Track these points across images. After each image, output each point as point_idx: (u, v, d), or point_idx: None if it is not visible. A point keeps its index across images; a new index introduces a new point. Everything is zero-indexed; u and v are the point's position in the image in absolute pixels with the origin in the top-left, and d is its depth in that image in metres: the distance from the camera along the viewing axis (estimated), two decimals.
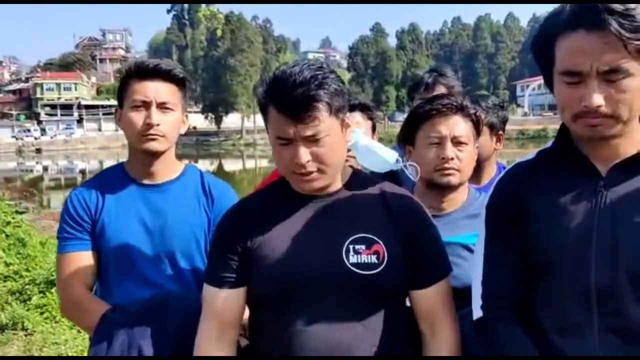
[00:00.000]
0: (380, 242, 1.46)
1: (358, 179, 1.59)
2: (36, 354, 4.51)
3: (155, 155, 1.90)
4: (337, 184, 1.54)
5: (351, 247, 1.44)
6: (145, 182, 1.94)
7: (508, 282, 1.42)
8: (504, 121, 2.52)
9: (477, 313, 1.45)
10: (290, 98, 1.37)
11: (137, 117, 1.86)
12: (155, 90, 1.86)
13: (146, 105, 1.86)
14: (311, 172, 1.43)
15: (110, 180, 1.96)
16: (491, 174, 2.46)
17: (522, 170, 1.47)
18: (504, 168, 2.50)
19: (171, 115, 1.89)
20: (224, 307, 1.50)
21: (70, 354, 4.39)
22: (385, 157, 1.89)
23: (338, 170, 1.51)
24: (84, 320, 1.89)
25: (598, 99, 1.23)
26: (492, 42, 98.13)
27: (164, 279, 1.87)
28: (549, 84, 1.36)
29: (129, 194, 1.92)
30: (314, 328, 1.42)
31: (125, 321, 1.73)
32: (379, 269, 1.43)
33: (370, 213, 1.51)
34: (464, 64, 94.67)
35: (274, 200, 1.55)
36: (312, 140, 1.40)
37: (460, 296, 1.58)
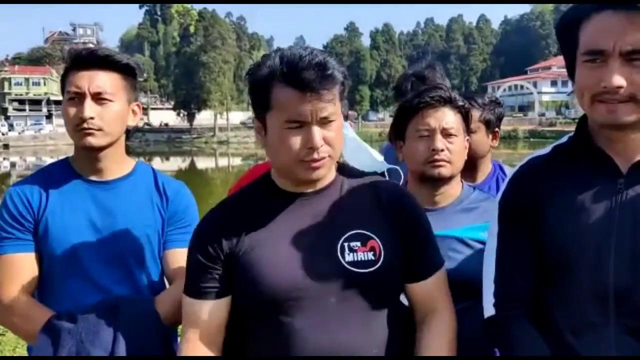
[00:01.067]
0: (376, 238, 1.41)
1: (345, 172, 1.53)
2: None
3: (95, 150, 1.74)
4: (328, 178, 1.47)
5: (346, 245, 1.39)
6: (93, 178, 1.78)
7: (522, 281, 1.39)
8: (500, 118, 2.47)
9: (488, 311, 1.42)
10: (308, 73, 1.29)
11: (71, 110, 1.71)
12: (90, 79, 1.70)
13: (80, 96, 1.70)
14: (322, 158, 1.35)
15: (54, 176, 1.78)
16: (486, 171, 2.45)
17: (537, 166, 1.44)
18: (500, 166, 2.53)
19: (110, 106, 1.72)
20: (211, 318, 1.41)
21: None
22: (374, 155, 1.89)
23: (336, 161, 1.46)
24: (22, 327, 1.71)
25: (619, 80, 1.19)
26: (465, 44, 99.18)
27: (113, 283, 1.73)
28: (571, 72, 1.33)
29: (76, 192, 1.76)
30: (312, 332, 1.34)
31: (73, 328, 1.59)
32: (377, 266, 1.38)
33: (362, 207, 1.46)
34: None
35: (259, 200, 1.46)
36: (325, 123, 1.34)
37: (455, 290, 1.56)
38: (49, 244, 1.71)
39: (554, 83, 71.95)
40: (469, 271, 1.65)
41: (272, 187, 1.47)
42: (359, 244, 1.40)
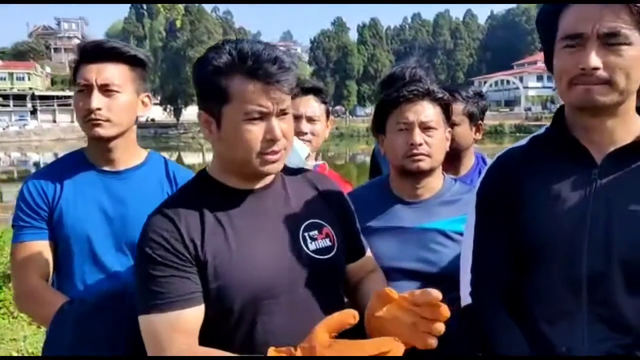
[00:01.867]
0: (327, 225, 1.47)
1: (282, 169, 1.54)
2: None
3: (104, 140, 1.81)
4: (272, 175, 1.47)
5: (306, 234, 1.43)
6: (106, 168, 1.86)
7: (498, 269, 1.42)
8: (484, 110, 2.49)
9: (465, 300, 1.45)
10: (270, 66, 1.29)
11: (80, 102, 1.78)
12: (98, 71, 1.76)
13: (88, 88, 1.76)
14: (280, 151, 1.36)
15: (69, 166, 1.86)
16: (470, 164, 2.46)
17: (515, 156, 1.47)
18: (482, 158, 2.54)
19: (117, 97, 1.78)
20: (197, 326, 1.31)
21: (29, 351, 4.29)
22: (299, 152, 1.92)
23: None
24: (39, 312, 1.77)
25: (596, 61, 1.23)
26: (451, 39, 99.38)
27: (125, 269, 1.79)
28: (549, 61, 1.36)
29: (89, 181, 1.83)
30: (287, 325, 1.33)
31: (82, 313, 1.64)
32: (334, 252, 1.44)
33: (308, 198, 1.51)
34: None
35: (207, 200, 1.39)
36: (283, 115, 1.35)
37: (438, 282, 1.59)
38: (63, 232, 1.79)
39: (539, 78, 72.34)
40: (450, 263, 1.67)
41: (216, 185, 1.42)
42: (316, 232, 1.44)
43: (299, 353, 1.10)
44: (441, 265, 1.72)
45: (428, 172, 1.86)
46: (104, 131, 1.78)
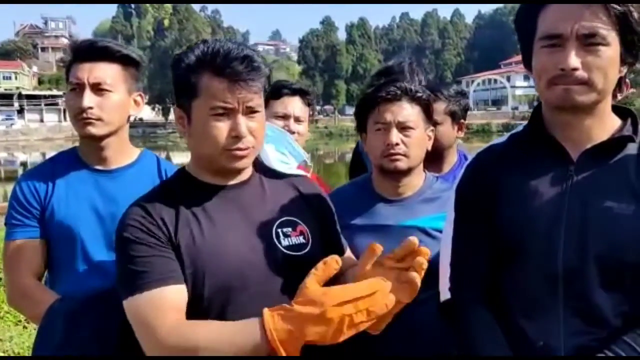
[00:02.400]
0: (302, 223, 1.49)
1: (260, 165, 1.60)
2: None
3: (96, 139, 1.81)
4: (249, 171, 1.51)
5: (280, 230, 1.45)
6: (98, 167, 1.87)
7: (477, 265, 1.44)
8: (466, 109, 2.51)
9: (444, 295, 1.47)
10: (238, 64, 1.33)
11: (72, 101, 1.79)
12: (90, 70, 1.77)
13: (80, 87, 1.77)
14: (247, 148, 1.38)
15: (61, 165, 1.87)
16: (452, 162, 2.48)
17: (493, 153, 1.49)
18: (465, 156, 2.56)
19: (109, 96, 1.79)
20: (183, 303, 1.31)
21: (16, 351, 4.26)
22: (292, 156, 1.93)
23: (258, 153, 1.49)
24: (31, 310, 1.79)
25: (575, 61, 1.25)
26: (439, 38, 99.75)
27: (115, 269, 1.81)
28: (527, 60, 1.38)
29: (81, 180, 1.84)
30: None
31: (71, 310, 1.65)
32: (307, 249, 1.46)
33: (285, 197, 1.53)
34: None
35: (182, 194, 1.43)
36: (250, 113, 1.37)
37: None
38: (55, 230, 1.80)
39: (526, 77, 72.51)
40: (431, 261, 1.69)
41: (192, 181, 1.46)
42: (290, 229, 1.46)
43: (297, 308, 1.15)
44: None
45: (407, 171, 1.88)
46: (95, 130, 1.79)
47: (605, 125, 1.36)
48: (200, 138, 1.39)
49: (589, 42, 1.25)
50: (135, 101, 1.90)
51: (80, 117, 1.77)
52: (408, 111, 1.86)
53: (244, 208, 1.45)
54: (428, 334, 1.65)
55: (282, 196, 1.53)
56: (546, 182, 1.36)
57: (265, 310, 1.19)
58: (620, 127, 1.37)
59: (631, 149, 1.35)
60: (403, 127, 1.84)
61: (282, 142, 2.15)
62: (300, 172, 1.97)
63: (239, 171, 1.45)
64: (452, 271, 1.46)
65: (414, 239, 1.21)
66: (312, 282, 1.17)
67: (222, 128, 1.35)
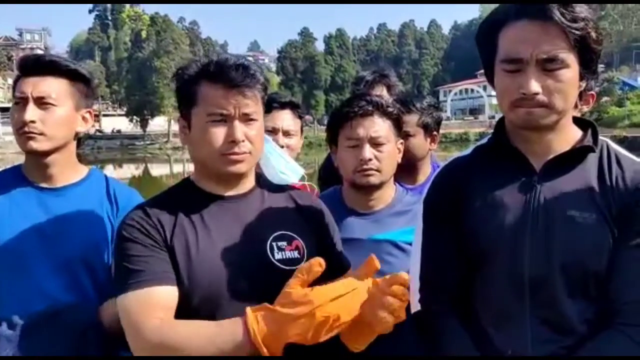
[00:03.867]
0: (298, 238, 1.50)
1: (263, 179, 1.61)
2: None
3: (39, 155, 1.73)
4: (251, 183, 1.54)
5: (274, 244, 1.46)
6: (43, 185, 1.78)
7: (446, 276, 1.46)
8: (439, 122, 2.54)
9: (415, 306, 1.48)
10: (233, 72, 1.39)
11: (15, 115, 1.72)
12: (35, 84, 1.71)
13: (24, 101, 1.70)
14: (243, 153, 1.42)
15: (5, 182, 1.78)
16: (426, 173, 2.49)
17: (459, 165, 1.53)
18: (439, 167, 2.59)
19: (53, 111, 1.72)
20: (173, 304, 1.35)
21: None
22: (286, 171, 1.92)
23: (257, 161, 1.52)
24: None
25: (535, 86, 1.28)
26: (416, 49, 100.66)
27: (61, 290, 1.70)
28: (489, 75, 1.41)
29: (25, 198, 1.75)
30: None
31: (11, 335, 1.59)
32: (301, 264, 1.43)
33: (284, 211, 1.54)
34: None
35: (182, 202, 1.47)
36: (247, 120, 1.42)
37: None
38: None
39: None
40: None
41: (194, 189, 1.50)
42: (285, 243, 1.48)
43: (280, 309, 1.17)
44: None
45: (378, 186, 1.90)
46: (37, 145, 1.71)
47: (567, 136, 1.40)
48: (198, 144, 1.44)
49: (549, 67, 1.28)
50: (83, 117, 1.82)
51: (22, 132, 1.70)
52: (379, 126, 1.88)
53: (241, 219, 1.47)
54: (400, 348, 1.65)
55: (281, 210, 1.54)
56: (511, 192, 1.39)
57: (248, 310, 1.22)
58: (581, 138, 1.41)
59: (592, 158, 1.39)
60: (375, 143, 1.86)
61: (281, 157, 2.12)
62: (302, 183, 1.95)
63: (237, 178, 1.48)
64: (422, 282, 1.47)
65: (402, 276, 1.23)
66: (295, 284, 1.21)
67: (218, 133, 1.40)
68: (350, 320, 1.18)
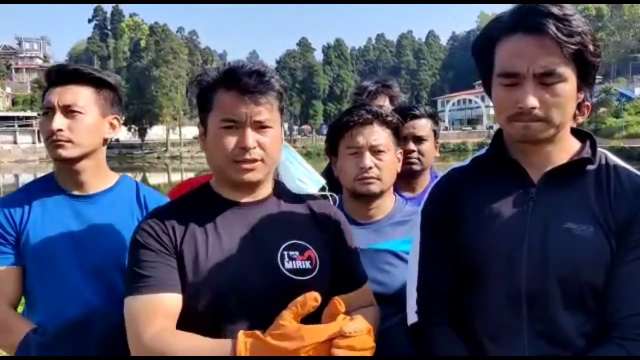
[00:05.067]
0: (312, 248, 1.47)
1: (281, 187, 1.61)
2: None
3: (68, 162, 1.78)
4: (267, 190, 1.53)
5: (285, 253, 1.44)
6: (75, 193, 1.83)
7: (443, 287, 1.44)
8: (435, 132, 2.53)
9: (411, 318, 1.47)
10: (247, 78, 1.39)
11: (43, 125, 1.78)
12: (60, 94, 1.76)
13: (52, 110, 1.76)
14: (255, 160, 1.41)
15: (38, 191, 1.84)
16: (425, 183, 2.49)
17: (457, 176, 1.51)
18: (437, 177, 2.59)
19: (80, 119, 1.76)
20: (176, 312, 1.36)
21: None
22: (306, 181, 1.92)
23: (273, 169, 1.51)
24: (5, 340, 1.74)
25: (533, 101, 1.27)
26: (414, 59, 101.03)
27: (93, 295, 1.75)
28: (487, 88, 1.40)
29: (57, 205, 1.80)
30: None
31: (45, 342, 1.63)
32: (313, 275, 1.44)
33: (299, 220, 1.53)
34: None
35: (198, 206, 1.49)
36: (260, 127, 1.41)
37: (389, 302, 1.61)
38: (30, 257, 1.75)
39: None
40: (401, 284, 1.69)
41: (211, 195, 1.51)
42: (297, 253, 1.46)
43: (270, 340, 1.17)
44: (392, 286, 1.74)
45: (379, 195, 1.90)
46: (65, 152, 1.75)
47: (565, 148, 1.39)
48: (212, 149, 1.45)
49: (546, 81, 1.27)
50: (111, 124, 1.87)
51: (50, 140, 1.75)
52: (380, 134, 1.89)
53: (254, 227, 1.46)
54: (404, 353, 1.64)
55: (296, 219, 1.53)
56: (508, 204, 1.38)
57: (240, 334, 1.22)
58: (580, 149, 1.40)
59: (590, 170, 1.38)
60: (375, 151, 1.87)
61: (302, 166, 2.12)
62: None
63: (250, 185, 1.47)
64: (419, 293, 1.46)
65: (336, 303, 1.26)
66: (289, 317, 1.20)
67: (230, 139, 1.40)
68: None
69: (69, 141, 1.75)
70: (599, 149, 1.42)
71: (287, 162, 1.77)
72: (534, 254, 1.32)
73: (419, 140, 2.38)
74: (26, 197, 1.82)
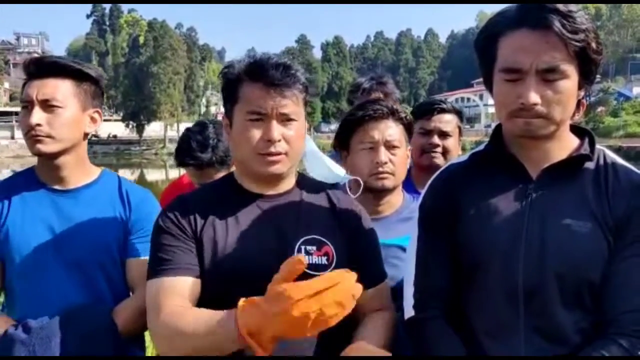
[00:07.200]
0: (329, 244, 1.47)
1: (304, 180, 1.61)
2: None
3: (49, 157, 1.73)
4: (289, 183, 1.54)
5: (303, 247, 1.44)
6: (56, 187, 1.79)
7: (440, 282, 1.45)
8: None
9: (408, 312, 1.47)
10: (273, 71, 1.40)
11: (22, 119, 1.72)
12: (39, 87, 1.70)
13: (30, 104, 1.70)
14: (279, 153, 1.42)
15: (18, 185, 1.79)
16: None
17: (455, 171, 1.51)
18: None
19: (60, 113, 1.70)
20: (195, 295, 1.38)
21: None
22: (332, 168, 1.92)
23: (296, 163, 1.51)
24: None
25: (535, 97, 1.27)
26: (413, 57, 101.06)
27: (75, 291, 1.72)
28: (489, 83, 1.40)
29: (37, 200, 1.76)
30: None
31: (26, 338, 1.60)
32: (329, 270, 1.43)
33: (318, 215, 1.53)
34: None
35: (221, 197, 1.50)
36: (285, 120, 1.42)
37: (398, 297, 1.60)
38: (10, 252, 1.71)
39: None
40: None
41: (234, 186, 1.52)
42: (314, 248, 1.46)
43: (262, 304, 1.15)
44: (400, 280, 1.74)
45: (391, 190, 1.90)
46: (45, 147, 1.70)
47: (564, 144, 1.39)
48: (237, 142, 1.46)
49: (548, 77, 1.27)
50: (92, 118, 1.81)
51: (29, 135, 1.70)
52: (394, 130, 1.89)
53: (274, 219, 1.47)
54: (402, 348, 1.64)
55: (316, 213, 1.53)
56: (506, 200, 1.38)
57: (241, 301, 1.20)
58: (578, 146, 1.41)
59: (588, 167, 1.38)
60: (390, 146, 1.87)
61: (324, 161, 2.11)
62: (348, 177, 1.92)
63: (274, 178, 1.47)
64: (416, 289, 1.46)
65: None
66: (277, 280, 1.18)
67: (256, 132, 1.42)
68: (341, 313, 1.14)
69: (48, 136, 1.70)
70: (597, 146, 1.42)
71: (316, 153, 1.76)
72: (531, 249, 1.32)
73: (444, 135, 2.37)
74: (6, 191, 1.77)
